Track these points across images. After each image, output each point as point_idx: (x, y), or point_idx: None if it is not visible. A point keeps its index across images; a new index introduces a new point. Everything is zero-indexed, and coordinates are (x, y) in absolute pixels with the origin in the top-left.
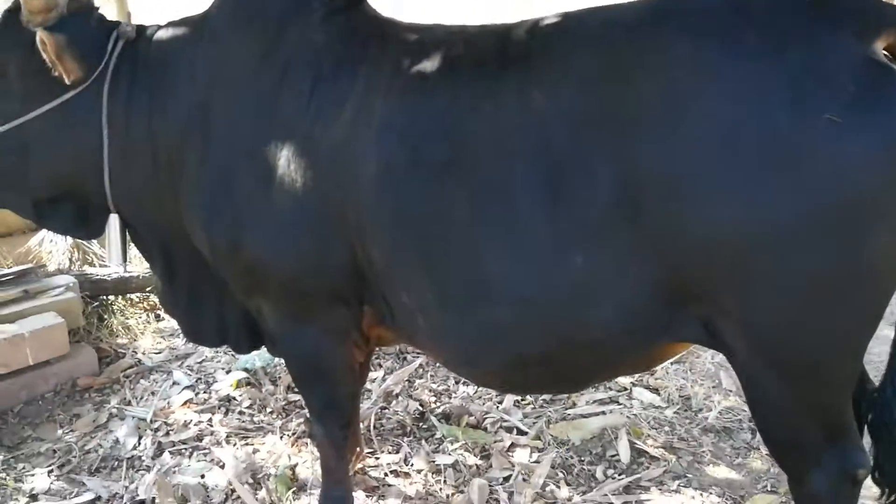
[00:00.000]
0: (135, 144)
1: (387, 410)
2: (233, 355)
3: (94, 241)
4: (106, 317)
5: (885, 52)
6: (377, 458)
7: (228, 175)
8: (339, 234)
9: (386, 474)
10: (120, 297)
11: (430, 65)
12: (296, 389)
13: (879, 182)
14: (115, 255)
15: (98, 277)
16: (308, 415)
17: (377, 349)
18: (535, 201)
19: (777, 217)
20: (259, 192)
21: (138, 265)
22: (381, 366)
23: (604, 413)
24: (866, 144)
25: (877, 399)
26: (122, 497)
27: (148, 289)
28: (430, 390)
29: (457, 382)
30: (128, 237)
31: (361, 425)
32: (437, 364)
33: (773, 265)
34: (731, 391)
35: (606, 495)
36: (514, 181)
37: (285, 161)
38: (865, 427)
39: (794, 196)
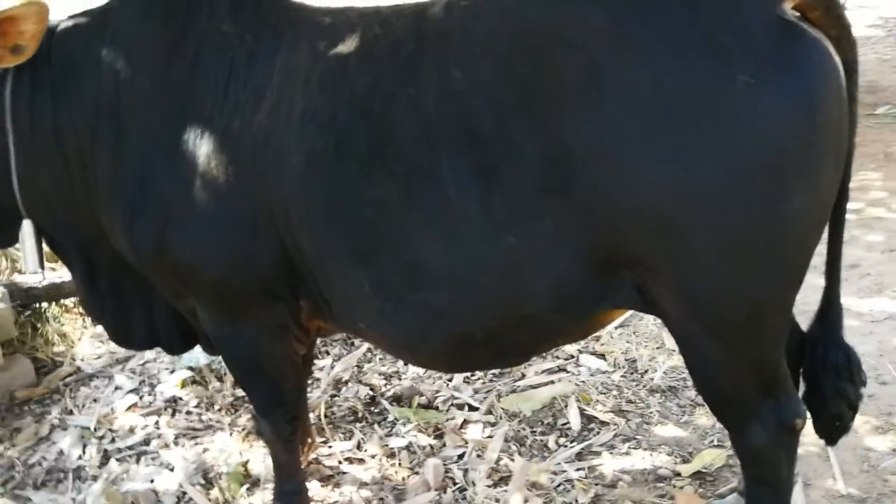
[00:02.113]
0: (42, 145)
1: (337, 398)
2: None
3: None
4: (40, 325)
5: (795, 12)
6: (330, 447)
7: (145, 175)
8: (266, 229)
9: (340, 462)
10: (54, 303)
11: (347, 50)
12: None
13: (795, 140)
14: (30, 263)
15: (29, 285)
16: (254, 412)
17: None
18: (465, 184)
19: (701, 179)
20: (179, 192)
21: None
22: (328, 353)
23: (552, 382)
24: (780, 104)
25: (806, 346)
26: None
27: None
28: (379, 374)
29: (406, 364)
30: (44, 243)
31: (312, 415)
32: None
33: (700, 227)
34: (674, 351)
35: (560, 464)
36: (442, 165)
37: (205, 158)
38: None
39: (715, 157)
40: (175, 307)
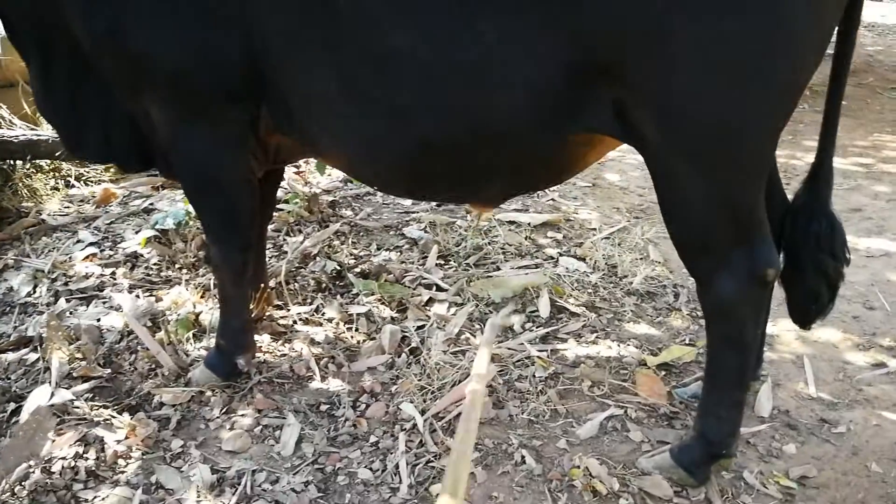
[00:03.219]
0: None
1: (303, 269)
2: (144, 217)
3: (2, 105)
4: (12, 178)
5: None
6: (287, 310)
7: None
8: (232, 22)
9: (295, 322)
10: (28, 163)
11: None
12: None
13: None
14: None
15: (4, 139)
16: (205, 238)
17: (297, 218)
18: None
19: None
20: None
21: (49, 128)
22: (300, 231)
23: (526, 275)
24: None
25: (790, 214)
26: (9, 336)
27: (57, 154)
28: (349, 254)
29: (378, 248)
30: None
31: (273, 280)
32: (359, 231)
33: (691, 33)
34: (657, 262)
35: (522, 344)
36: None
37: None
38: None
39: None
40: (133, 119)
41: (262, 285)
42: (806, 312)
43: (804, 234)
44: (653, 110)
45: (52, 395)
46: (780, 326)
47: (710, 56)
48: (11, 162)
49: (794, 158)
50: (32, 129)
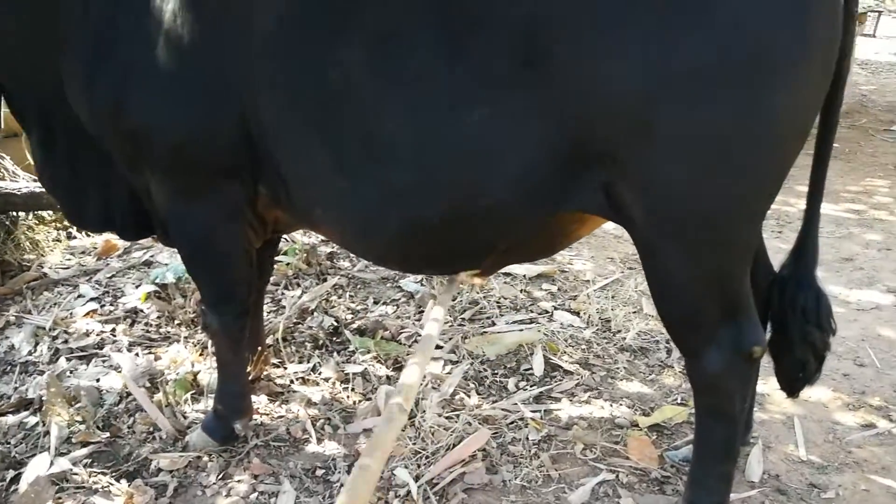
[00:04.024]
0: None
1: (300, 325)
2: (145, 271)
3: (6, 157)
4: (14, 231)
5: None
6: (285, 368)
7: (112, 28)
8: (228, 97)
9: (292, 381)
10: (31, 214)
11: None
12: None
13: (780, 35)
14: None
15: (7, 191)
16: (202, 305)
17: (296, 271)
18: (434, 53)
19: (680, 67)
20: (142, 49)
21: None
22: (298, 285)
23: (521, 331)
24: None
25: (776, 286)
26: (9, 397)
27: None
28: (347, 308)
29: (375, 302)
30: (3, 102)
31: (270, 337)
32: (356, 284)
33: (672, 117)
34: (650, 315)
35: (516, 404)
36: (412, 31)
37: (171, 15)
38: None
39: (698, 45)
40: (133, 189)
41: (260, 348)
42: (794, 381)
43: (791, 305)
44: (639, 194)
45: (52, 463)
46: (770, 385)
47: (690, 143)
48: (14, 214)
49: (786, 205)
50: (35, 181)
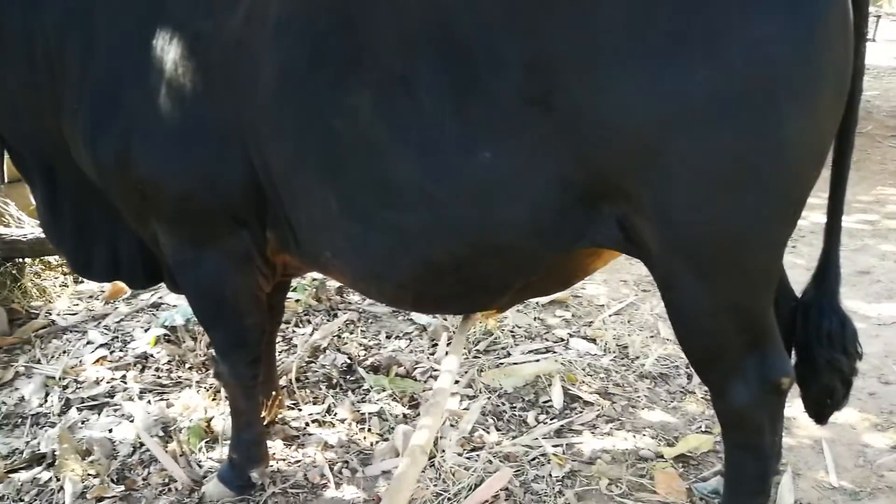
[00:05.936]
0: (10, 48)
1: (313, 364)
2: (153, 314)
3: (11, 202)
4: (21, 278)
5: None
6: (299, 410)
7: (113, 81)
8: (234, 144)
9: (307, 423)
10: (37, 259)
11: None
12: None
13: (791, 59)
14: None
15: (12, 238)
16: (214, 354)
17: (306, 308)
18: (441, 95)
19: (687, 95)
20: (145, 101)
21: None
22: (309, 322)
23: (538, 361)
24: (777, 20)
25: (800, 311)
26: (21, 452)
27: None
28: (359, 344)
29: (388, 337)
30: (7, 156)
31: (283, 378)
32: (367, 318)
33: (685, 148)
34: (668, 340)
35: (537, 439)
36: (418, 73)
37: (173, 65)
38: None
39: (706, 74)
40: (140, 238)
41: (274, 392)
42: (822, 408)
43: (816, 332)
44: (655, 227)
45: None
46: (796, 408)
47: (705, 170)
48: (21, 260)
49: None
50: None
